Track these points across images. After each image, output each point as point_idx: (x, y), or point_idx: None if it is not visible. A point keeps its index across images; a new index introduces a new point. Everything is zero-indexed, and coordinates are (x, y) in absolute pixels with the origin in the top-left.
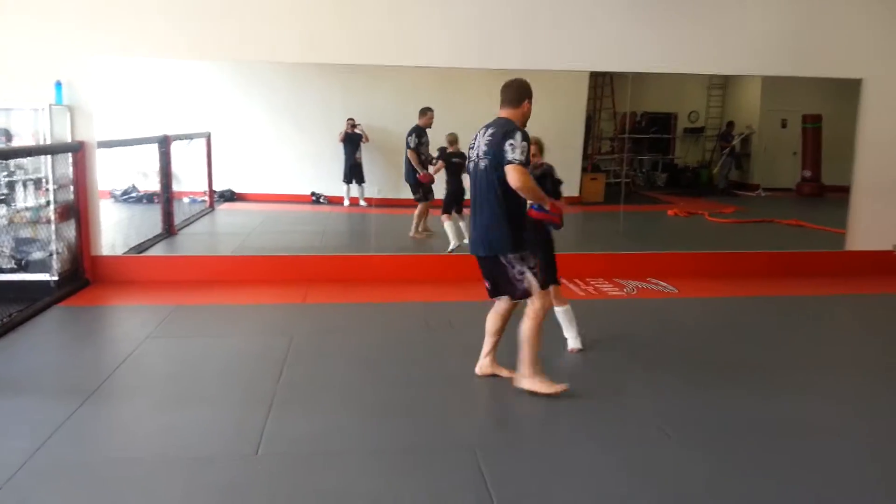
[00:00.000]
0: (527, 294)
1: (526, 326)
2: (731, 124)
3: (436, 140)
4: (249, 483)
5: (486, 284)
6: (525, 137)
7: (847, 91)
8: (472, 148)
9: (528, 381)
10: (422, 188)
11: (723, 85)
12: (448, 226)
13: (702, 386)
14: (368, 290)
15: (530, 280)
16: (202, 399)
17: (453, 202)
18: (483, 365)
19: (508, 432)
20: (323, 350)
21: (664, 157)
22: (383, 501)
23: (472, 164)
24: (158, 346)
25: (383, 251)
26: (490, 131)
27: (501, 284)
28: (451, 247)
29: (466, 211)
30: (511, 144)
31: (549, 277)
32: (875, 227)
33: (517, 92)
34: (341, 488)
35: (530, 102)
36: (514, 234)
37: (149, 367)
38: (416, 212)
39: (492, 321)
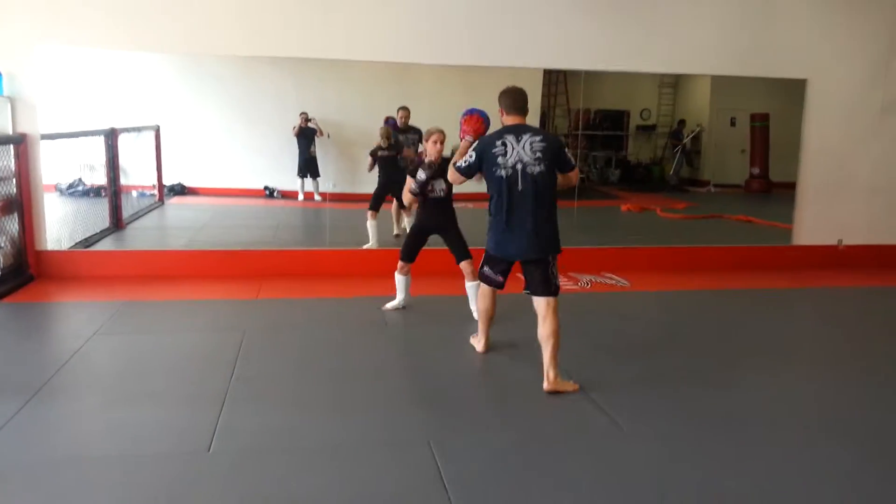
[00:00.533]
0: (558, 291)
1: (554, 325)
2: (682, 122)
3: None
4: (201, 480)
5: (501, 279)
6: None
7: (793, 91)
8: (501, 155)
9: (561, 382)
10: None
11: (674, 84)
12: (372, 225)
13: (654, 377)
14: (322, 285)
15: (558, 277)
16: (152, 396)
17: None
18: (487, 343)
19: (464, 426)
20: (276, 346)
21: (617, 153)
22: (337, 498)
23: (506, 172)
24: (106, 343)
25: (338, 246)
26: (538, 139)
27: (536, 283)
28: (368, 245)
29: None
30: (567, 152)
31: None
32: (821, 222)
33: (526, 101)
34: (295, 485)
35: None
36: (558, 235)
37: (96, 364)
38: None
39: (490, 302)
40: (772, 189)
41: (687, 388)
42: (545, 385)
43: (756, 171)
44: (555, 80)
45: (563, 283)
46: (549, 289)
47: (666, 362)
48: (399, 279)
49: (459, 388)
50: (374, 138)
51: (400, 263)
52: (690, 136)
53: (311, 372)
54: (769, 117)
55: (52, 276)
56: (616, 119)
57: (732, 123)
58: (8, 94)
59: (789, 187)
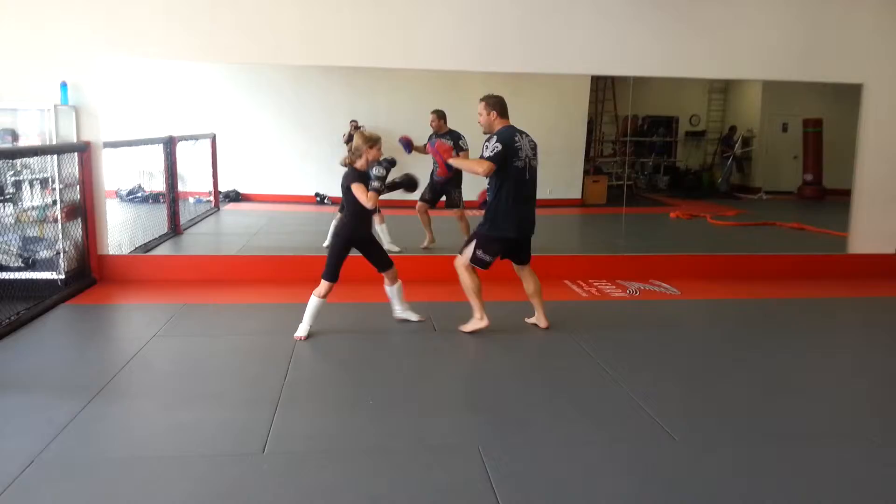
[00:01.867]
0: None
1: (538, 279)
2: (733, 128)
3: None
4: (255, 481)
5: (490, 259)
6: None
7: (848, 95)
8: (520, 149)
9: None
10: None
11: (724, 89)
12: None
13: (706, 387)
14: (373, 289)
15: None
16: (209, 397)
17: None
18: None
19: (514, 431)
20: (327, 349)
21: (666, 160)
22: (388, 500)
23: (522, 164)
24: (165, 345)
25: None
26: (531, 138)
27: (525, 255)
28: (396, 249)
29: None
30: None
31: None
32: (877, 230)
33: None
34: (347, 487)
35: None
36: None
37: (156, 365)
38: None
39: (478, 279)
40: (826, 196)
41: (739, 399)
42: (545, 324)
43: (809, 177)
44: (602, 87)
45: (611, 290)
46: (530, 256)
47: (718, 372)
48: (319, 303)
49: (507, 392)
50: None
51: (327, 284)
52: (741, 142)
53: (362, 375)
54: (822, 123)
55: (114, 280)
56: (665, 125)
57: (784, 129)
58: (73, 103)
59: (844, 194)
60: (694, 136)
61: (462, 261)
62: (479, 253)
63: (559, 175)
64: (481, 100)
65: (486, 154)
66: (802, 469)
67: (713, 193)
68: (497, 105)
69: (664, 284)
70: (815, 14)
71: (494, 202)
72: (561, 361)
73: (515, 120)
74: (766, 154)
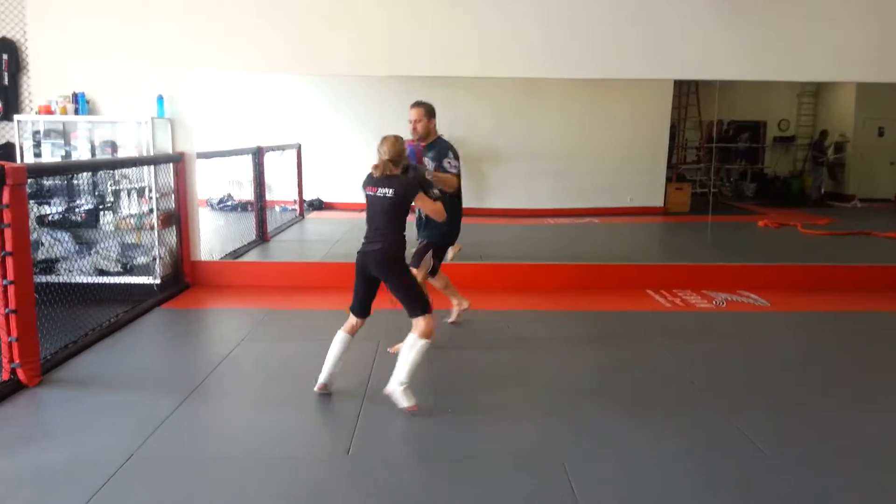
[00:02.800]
0: None
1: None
2: (824, 133)
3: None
4: (340, 482)
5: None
6: None
7: None
8: None
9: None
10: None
11: (814, 92)
12: None
13: (798, 402)
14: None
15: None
16: (294, 400)
17: None
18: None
19: (599, 442)
20: None
21: (753, 166)
22: None
23: None
24: (253, 348)
25: (459, 259)
26: None
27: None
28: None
29: None
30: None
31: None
32: None
33: None
34: (430, 492)
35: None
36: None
37: (244, 368)
38: None
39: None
40: None
41: (832, 414)
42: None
43: None
44: (686, 91)
45: (697, 300)
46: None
47: (809, 386)
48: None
49: (595, 403)
50: (499, 152)
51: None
52: (833, 147)
53: (444, 379)
54: None
55: (205, 285)
56: (752, 130)
57: (881, 134)
58: (169, 116)
59: None
60: (783, 142)
61: (421, 275)
62: (436, 262)
63: (640, 183)
64: (419, 105)
65: (453, 171)
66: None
67: (804, 201)
68: (433, 112)
69: (752, 295)
70: None
71: (450, 212)
72: (645, 374)
73: (592, 126)
74: (861, 159)
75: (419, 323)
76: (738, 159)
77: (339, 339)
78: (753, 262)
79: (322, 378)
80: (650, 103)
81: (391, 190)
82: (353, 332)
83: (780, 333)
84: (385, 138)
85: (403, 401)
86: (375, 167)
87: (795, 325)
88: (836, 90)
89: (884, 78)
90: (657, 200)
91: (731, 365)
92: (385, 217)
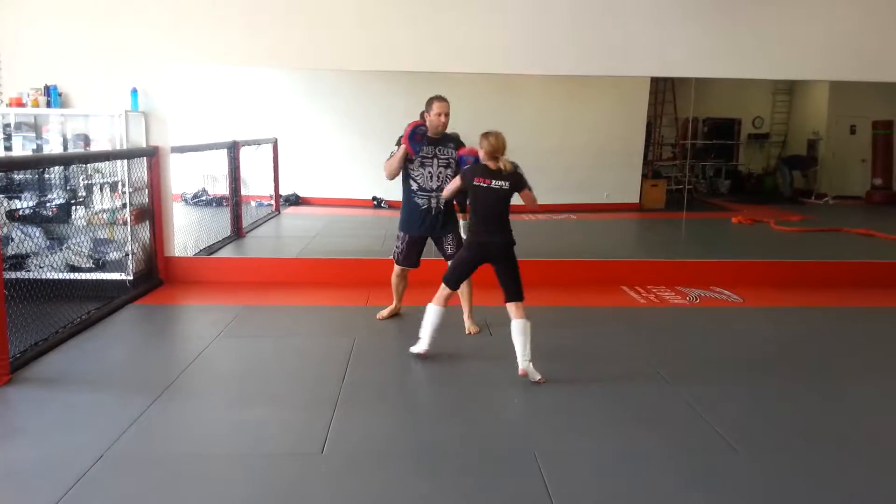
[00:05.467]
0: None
1: None
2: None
3: None
4: (314, 481)
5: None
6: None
7: None
8: None
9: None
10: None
11: (788, 90)
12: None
13: (771, 398)
14: (428, 293)
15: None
16: (269, 397)
17: None
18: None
19: (570, 437)
20: (385, 352)
21: (727, 163)
22: (443, 503)
23: None
24: (228, 346)
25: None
26: None
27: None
28: None
29: None
30: None
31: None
32: None
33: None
34: (404, 489)
35: (427, 113)
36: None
37: (218, 365)
38: None
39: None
40: None
41: (803, 410)
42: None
43: (878, 181)
44: (662, 89)
45: (671, 296)
46: None
47: (781, 382)
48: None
49: (567, 398)
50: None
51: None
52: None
53: (419, 377)
54: (893, 125)
55: (179, 281)
56: (727, 128)
57: (852, 131)
58: (143, 109)
59: None
60: (757, 139)
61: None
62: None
63: (616, 179)
64: (446, 100)
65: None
66: (870, 483)
67: (777, 198)
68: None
69: (726, 291)
70: (884, 12)
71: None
72: (618, 368)
73: (569, 123)
74: (833, 157)
75: (520, 306)
76: (713, 156)
77: (436, 311)
78: (727, 258)
79: (424, 346)
80: (627, 101)
81: (507, 183)
82: (445, 304)
83: (753, 329)
84: (495, 134)
85: (536, 375)
86: (493, 160)
87: (768, 321)
88: (809, 88)
89: (856, 77)
90: (633, 197)
91: (704, 360)
92: (501, 208)
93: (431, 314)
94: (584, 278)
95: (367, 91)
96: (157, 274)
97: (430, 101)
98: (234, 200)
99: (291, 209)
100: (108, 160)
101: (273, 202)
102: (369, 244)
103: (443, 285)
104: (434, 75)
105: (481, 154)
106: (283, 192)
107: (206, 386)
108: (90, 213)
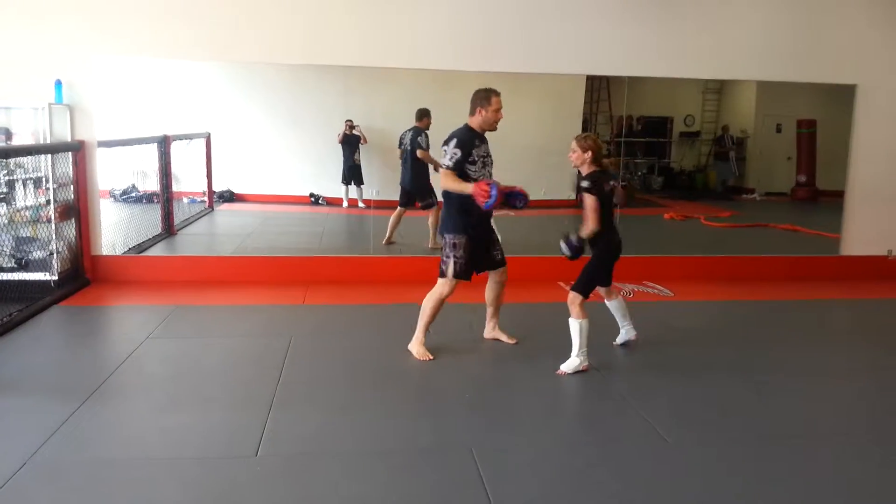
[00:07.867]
0: (442, 275)
1: (426, 300)
2: (725, 129)
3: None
4: (248, 484)
5: None
6: (457, 144)
7: (841, 96)
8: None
9: (413, 344)
10: (432, 193)
11: (718, 89)
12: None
13: (700, 389)
14: (367, 291)
15: (450, 265)
16: (202, 399)
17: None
18: (487, 329)
19: (505, 432)
20: (322, 351)
21: (660, 160)
22: (381, 501)
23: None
24: (159, 347)
25: (381, 253)
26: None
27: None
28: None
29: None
30: (444, 150)
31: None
32: (870, 232)
33: (470, 103)
34: (340, 489)
35: (484, 109)
36: (454, 218)
37: (149, 367)
38: (431, 220)
39: (486, 291)
40: (819, 197)
41: (733, 400)
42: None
43: (802, 178)
44: (597, 87)
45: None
46: (440, 268)
47: (711, 374)
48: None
49: (502, 394)
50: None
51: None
52: (734, 142)
53: (356, 377)
54: (816, 124)
55: (107, 281)
56: (659, 125)
57: (778, 130)
58: (67, 102)
59: (837, 196)
60: (688, 137)
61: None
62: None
63: (553, 175)
64: (499, 94)
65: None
66: (797, 469)
67: (707, 194)
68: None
69: (658, 286)
70: (809, 15)
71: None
72: (553, 363)
73: (512, 120)
74: (761, 155)
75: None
76: (646, 153)
77: (587, 324)
78: (659, 253)
79: (585, 361)
80: (564, 98)
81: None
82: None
83: (683, 323)
84: (594, 137)
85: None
86: (612, 163)
87: (698, 314)
88: (738, 87)
89: (782, 77)
90: (569, 193)
91: (635, 353)
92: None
93: (585, 328)
94: (521, 275)
95: (303, 85)
96: (83, 273)
97: (485, 97)
98: (166, 197)
99: (226, 206)
100: (31, 155)
101: (206, 199)
102: (306, 241)
103: (578, 295)
104: (373, 70)
105: (589, 157)
106: (217, 188)
107: (136, 389)
108: (12, 210)
